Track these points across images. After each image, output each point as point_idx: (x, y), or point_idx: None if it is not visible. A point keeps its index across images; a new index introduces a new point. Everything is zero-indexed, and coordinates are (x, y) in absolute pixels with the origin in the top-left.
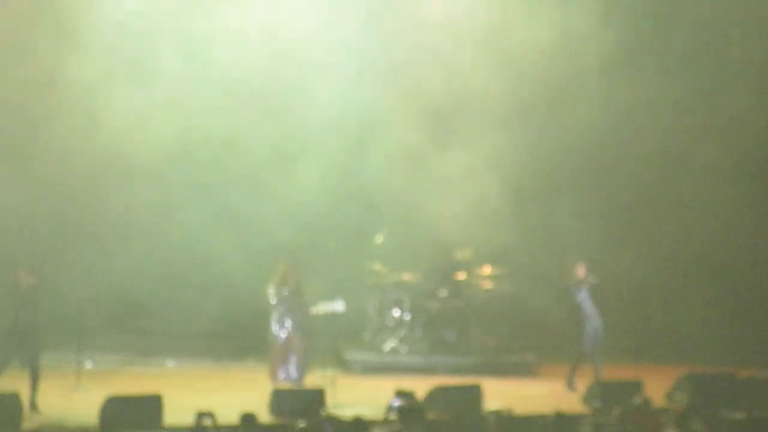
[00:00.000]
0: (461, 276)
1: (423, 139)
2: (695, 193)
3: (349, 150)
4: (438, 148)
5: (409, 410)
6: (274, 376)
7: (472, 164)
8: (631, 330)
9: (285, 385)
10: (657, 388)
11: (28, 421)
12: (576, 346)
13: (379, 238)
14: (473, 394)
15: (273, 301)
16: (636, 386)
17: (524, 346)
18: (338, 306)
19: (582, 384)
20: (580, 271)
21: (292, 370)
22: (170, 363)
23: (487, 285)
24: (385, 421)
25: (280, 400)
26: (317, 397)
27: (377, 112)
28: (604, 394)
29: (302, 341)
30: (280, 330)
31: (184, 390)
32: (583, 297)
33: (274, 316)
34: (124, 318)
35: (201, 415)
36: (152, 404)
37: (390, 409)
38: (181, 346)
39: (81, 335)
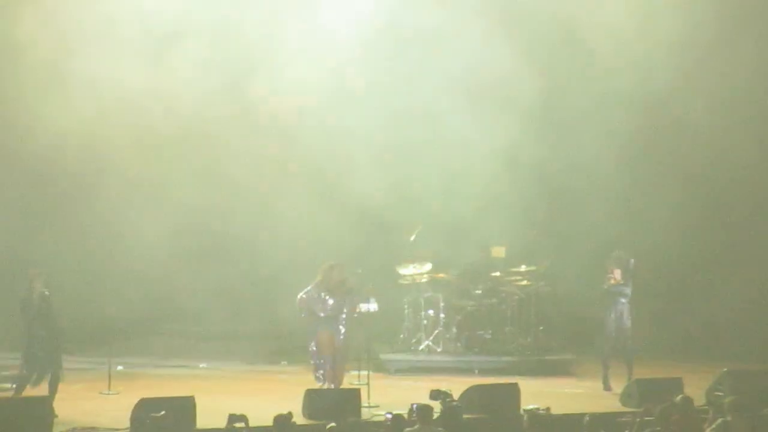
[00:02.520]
0: (496, 274)
1: (455, 134)
2: (734, 187)
3: (385, 147)
4: (471, 143)
5: (426, 409)
6: (337, 376)
7: (506, 160)
8: (670, 327)
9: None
10: (696, 386)
11: (59, 424)
12: (601, 346)
13: (413, 237)
14: (510, 393)
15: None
16: (676, 384)
17: (561, 345)
18: (372, 306)
19: (619, 383)
20: (616, 270)
21: (324, 373)
22: (202, 365)
23: (523, 283)
24: (409, 422)
25: (314, 401)
26: (352, 398)
27: (407, 104)
28: (643, 392)
29: (343, 339)
30: (322, 328)
31: (217, 392)
32: (617, 294)
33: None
34: (156, 320)
35: (233, 418)
36: (184, 406)
37: (411, 411)
38: (213, 348)
39: (112, 338)
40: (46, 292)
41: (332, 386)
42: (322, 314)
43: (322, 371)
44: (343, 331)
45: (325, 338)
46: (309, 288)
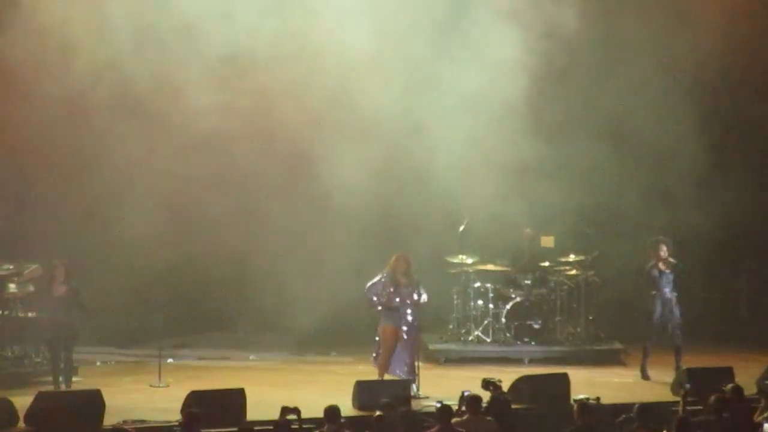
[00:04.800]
0: (545, 264)
1: (503, 126)
2: None
3: (430, 136)
4: (516, 134)
5: (476, 399)
6: (384, 367)
7: (551, 150)
8: (719, 315)
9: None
10: (747, 375)
11: (109, 416)
12: (644, 331)
13: (461, 227)
14: (560, 383)
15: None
16: (726, 373)
17: (611, 334)
18: (422, 297)
19: (667, 372)
20: (662, 253)
21: (400, 364)
22: (252, 357)
23: (572, 272)
24: (458, 412)
25: (364, 392)
26: (402, 388)
27: (458, 99)
28: (693, 381)
29: (408, 331)
30: (386, 321)
31: (267, 384)
32: (662, 281)
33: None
34: (207, 313)
35: (286, 410)
36: (235, 398)
37: (462, 399)
38: (262, 340)
39: (162, 330)
40: (74, 284)
41: (408, 377)
42: (388, 304)
43: (377, 359)
44: (410, 322)
45: (389, 331)
46: (376, 279)
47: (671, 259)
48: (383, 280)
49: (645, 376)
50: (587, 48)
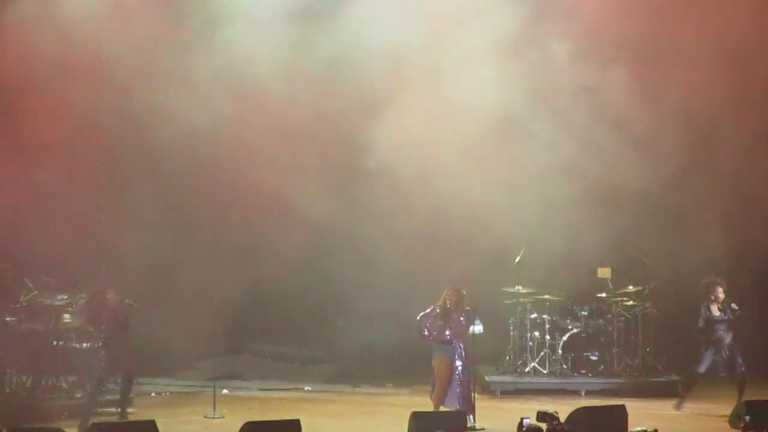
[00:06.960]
0: (602, 295)
1: (559, 153)
2: None
3: (485, 167)
4: (572, 163)
5: (536, 429)
6: (440, 399)
7: (610, 180)
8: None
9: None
10: None
11: None
12: (693, 365)
13: (518, 258)
14: (617, 415)
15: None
16: None
17: (668, 366)
18: (477, 328)
19: (726, 404)
20: (719, 291)
21: (456, 396)
22: (307, 388)
23: (629, 303)
24: None
25: (420, 423)
26: (458, 420)
27: (515, 124)
28: (752, 414)
29: (464, 364)
30: (440, 353)
31: (322, 415)
32: (718, 319)
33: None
34: (261, 343)
35: None
36: (290, 429)
37: (520, 427)
38: (318, 370)
39: (215, 361)
40: (134, 304)
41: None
42: (439, 337)
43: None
44: (464, 354)
45: (444, 363)
46: (428, 310)
47: (734, 306)
48: (434, 312)
49: (679, 407)
50: (652, 58)
